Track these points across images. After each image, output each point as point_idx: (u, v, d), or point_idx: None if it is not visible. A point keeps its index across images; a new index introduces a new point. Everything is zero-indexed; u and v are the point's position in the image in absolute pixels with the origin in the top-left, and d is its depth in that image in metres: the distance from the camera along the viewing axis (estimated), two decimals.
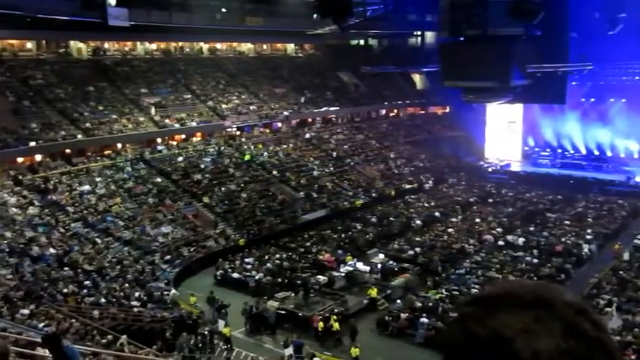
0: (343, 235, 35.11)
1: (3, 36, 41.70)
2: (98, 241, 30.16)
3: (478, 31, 24.14)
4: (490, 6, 23.52)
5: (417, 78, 65.18)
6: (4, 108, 36.51)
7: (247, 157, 43.60)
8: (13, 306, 20.15)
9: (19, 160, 35.04)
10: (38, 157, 35.80)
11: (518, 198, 43.03)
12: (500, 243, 32.78)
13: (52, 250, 27.18)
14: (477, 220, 37.88)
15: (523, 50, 25.24)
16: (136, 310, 23.18)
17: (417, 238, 34.27)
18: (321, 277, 27.69)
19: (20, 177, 32.93)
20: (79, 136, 37.69)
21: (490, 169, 52.34)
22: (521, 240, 32.69)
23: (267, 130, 49.41)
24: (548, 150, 53.32)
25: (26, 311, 19.72)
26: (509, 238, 33.24)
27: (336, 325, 22.45)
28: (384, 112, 60.95)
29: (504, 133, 55.73)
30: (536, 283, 1.09)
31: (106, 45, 48.46)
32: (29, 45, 44.62)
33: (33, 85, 40.17)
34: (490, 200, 43.16)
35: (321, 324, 22.70)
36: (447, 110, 62.23)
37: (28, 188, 32.51)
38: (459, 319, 1.02)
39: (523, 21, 22.34)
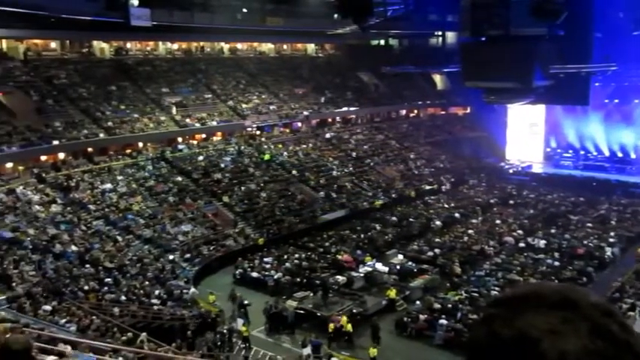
0: (362, 236, 35.05)
1: (28, 36, 42.36)
2: (119, 238, 30.45)
3: (500, 31, 23.94)
4: (512, 6, 23.32)
5: (437, 78, 64.88)
6: (29, 107, 37.03)
7: (267, 157, 43.73)
8: (36, 302, 20.41)
9: (43, 158, 35.50)
10: (61, 156, 36.24)
11: (539, 200, 42.59)
12: (521, 245, 32.48)
13: (73, 248, 27.47)
14: (498, 221, 37.57)
15: (546, 50, 25.00)
16: (155, 307, 23.38)
17: (437, 239, 34.09)
18: (339, 278, 27.67)
19: (44, 175, 33.37)
20: (101, 135, 38.11)
21: (511, 171, 51.89)
22: (542, 242, 32.35)
23: (287, 130, 49.52)
24: (570, 151, 52.67)
25: (48, 307, 19.98)
26: (530, 240, 32.92)
27: (349, 327, 22.38)
28: (404, 112, 60.75)
29: (526, 135, 55.24)
30: (560, 284, 1.07)
31: (129, 45, 48.99)
32: (53, 45, 45.28)
33: (57, 84, 40.70)
34: (511, 202, 42.79)
35: (331, 325, 22.69)
36: (468, 111, 61.84)
37: (51, 186, 32.94)
38: (484, 319, 1.02)
39: (546, 21, 22.12)
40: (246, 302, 24.87)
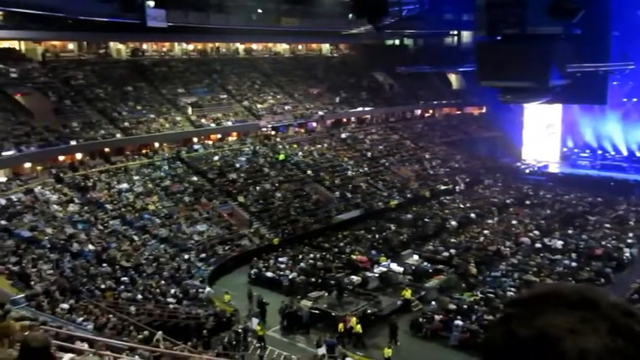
0: (377, 236, 34.99)
1: (46, 37, 42.86)
2: (135, 238, 30.65)
3: (516, 30, 23.80)
4: (528, 4, 23.16)
5: (452, 78, 64.60)
6: (47, 108, 37.41)
7: (282, 157, 43.80)
8: (54, 300, 20.61)
9: (61, 158, 35.86)
10: (79, 156, 36.59)
11: (556, 200, 42.25)
12: (538, 246, 32.23)
13: (90, 247, 27.71)
14: (514, 222, 37.33)
15: (562, 49, 24.81)
16: (171, 306, 23.52)
17: (452, 240, 33.95)
18: (354, 278, 27.65)
19: (61, 175, 33.69)
20: (118, 135, 38.41)
21: (527, 171, 51.51)
22: (559, 243, 32.09)
23: (302, 130, 49.57)
24: (587, 151, 52.16)
25: (66, 306, 20.17)
26: (547, 240, 32.66)
27: (358, 327, 22.33)
28: (419, 112, 60.56)
29: (542, 134, 54.80)
30: (578, 284, 1.07)
31: (145, 46, 49.36)
32: (71, 46, 45.74)
33: (74, 85, 41.08)
34: (527, 202, 42.50)
35: (341, 325, 22.67)
36: (484, 110, 61.49)
37: (68, 186, 33.26)
38: (502, 319, 1.01)
39: (563, 19, 21.94)
40: (265, 301, 24.98)
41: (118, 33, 43.88)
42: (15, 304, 16.13)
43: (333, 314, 23.85)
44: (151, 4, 40.00)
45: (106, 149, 37.86)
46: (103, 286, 23.91)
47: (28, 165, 33.59)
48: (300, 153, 45.82)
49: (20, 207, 29.22)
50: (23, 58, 41.24)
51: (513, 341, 0.96)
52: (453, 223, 37.29)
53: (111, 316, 20.07)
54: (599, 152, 51.42)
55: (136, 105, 41.91)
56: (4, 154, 31.09)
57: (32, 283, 21.92)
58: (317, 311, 24.35)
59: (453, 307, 24.38)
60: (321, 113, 50.50)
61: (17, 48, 41.89)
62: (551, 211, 39.58)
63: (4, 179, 31.58)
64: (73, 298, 21.60)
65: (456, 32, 57.29)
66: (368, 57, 60.24)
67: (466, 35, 55.76)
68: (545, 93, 27.54)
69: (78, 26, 41.08)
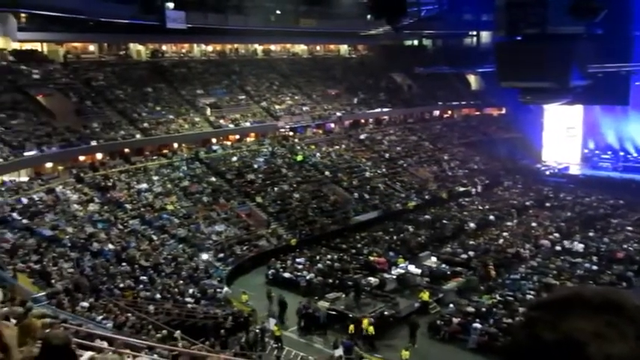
0: (395, 237, 34.87)
1: (68, 39, 43.44)
2: (154, 237, 30.88)
3: (536, 29, 23.56)
4: (549, 4, 22.91)
5: (471, 78, 64.19)
6: (68, 108, 37.87)
7: (299, 158, 43.84)
8: (74, 298, 20.82)
9: (81, 158, 36.23)
10: (99, 156, 36.96)
11: (577, 202, 41.75)
12: (558, 248, 31.90)
13: (110, 246, 27.97)
14: (534, 224, 36.97)
15: (584, 49, 24.49)
16: (189, 306, 23.65)
17: (471, 242, 33.71)
18: (372, 279, 27.59)
19: (82, 175, 34.08)
20: (138, 136, 38.73)
21: (548, 172, 50.99)
22: (580, 246, 31.72)
23: (320, 131, 49.59)
24: (609, 153, 51.50)
25: (86, 304, 20.36)
26: (568, 243, 32.31)
27: (370, 329, 22.26)
28: (437, 113, 60.27)
29: (562, 136, 54.23)
30: (602, 287, 1.06)
31: (164, 47, 49.72)
32: (92, 47, 46.27)
33: (95, 86, 41.52)
34: (547, 204, 42.08)
35: (351, 327, 22.61)
36: (503, 111, 60.98)
37: (89, 186, 33.61)
38: (526, 323, 1.00)
39: (584, 19, 21.65)
40: (285, 300, 25.13)
41: (138, 34, 44.37)
42: (36, 302, 16.32)
43: (351, 315, 23.79)
44: (171, 5, 40.34)
45: (126, 149, 38.21)
46: (122, 285, 24.12)
47: (49, 165, 33.99)
48: (318, 154, 45.83)
49: (42, 206, 29.60)
50: (45, 59, 41.79)
51: (538, 345, 0.95)
52: (472, 225, 37.04)
53: (130, 314, 20.24)
54: (621, 154, 50.77)
55: (156, 106, 42.23)
56: (26, 154, 31.50)
57: (53, 281, 22.16)
58: (334, 312, 24.31)
59: (471, 309, 24.21)
60: (339, 114, 50.47)
61: (39, 50, 42.46)
62: (571, 213, 39.14)
63: (26, 179, 32.01)
64: (93, 296, 21.82)
65: (475, 32, 56.92)
66: (386, 58, 60.09)
67: (485, 35, 55.33)
68: (566, 94, 27.22)
69: (99, 28, 41.62)
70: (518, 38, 25.40)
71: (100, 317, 19.38)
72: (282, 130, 46.71)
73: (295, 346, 22.78)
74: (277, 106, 48.22)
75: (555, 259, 30.27)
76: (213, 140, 43.06)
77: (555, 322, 0.95)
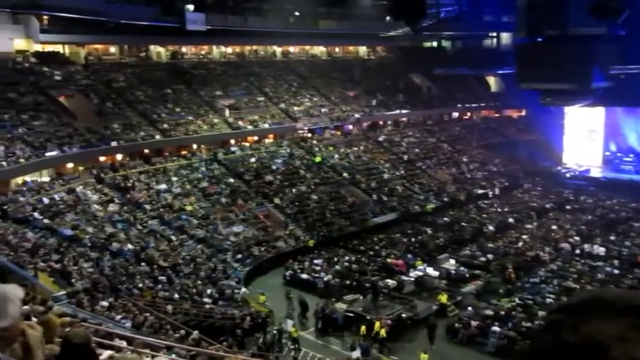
0: (413, 240, 34.73)
1: (89, 41, 43.98)
2: (173, 238, 31.09)
3: (557, 31, 23.36)
4: (571, 4, 22.69)
5: (491, 80, 63.80)
6: (89, 109, 38.30)
7: (318, 159, 43.89)
8: (94, 298, 21.03)
9: (102, 158, 36.60)
10: (119, 157, 37.30)
11: (598, 205, 41.21)
12: (578, 252, 31.55)
13: (129, 246, 28.22)
14: (554, 227, 36.57)
15: (605, 51, 24.23)
16: (207, 306, 23.75)
17: (490, 245, 33.44)
18: (390, 281, 27.50)
19: (102, 175, 34.42)
20: (157, 137, 39.03)
21: (568, 175, 50.43)
22: (601, 249, 31.33)
23: (339, 133, 49.60)
24: (631, 155, 50.78)
25: (105, 303, 20.56)
26: (588, 247, 31.92)
27: (382, 332, 22.17)
28: (456, 114, 59.96)
29: (583, 138, 53.62)
30: (624, 290, 1.04)
31: (184, 49, 50.08)
32: (112, 49, 46.79)
33: (115, 87, 41.95)
34: (568, 207, 41.62)
35: (363, 328, 22.55)
36: (523, 113, 60.53)
37: (109, 186, 33.94)
38: (548, 326, 0.99)
39: (606, 20, 21.41)
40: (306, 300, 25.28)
41: (159, 36, 44.74)
42: (56, 301, 16.52)
43: (368, 317, 23.72)
44: (191, 8, 40.63)
45: (146, 150, 38.51)
46: (141, 285, 24.31)
47: (70, 165, 34.38)
48: (336, 155, 45.83)
49: (63, 206, 29.95)
50: (67, 61, 42.33)
51: (562, 348, 0.94)
52: (491, 227, 36.77)
53: (148, 314, 20.37)
54: None
55: (175, 107, 42.52)
56: (47, 154, 31.90)
57: (73, 280, 22.40)
58: (352, 314, 24.27)
59: (490, 312, 24.04)
60: (357, 116, 50.45)
61: (61, 51, 43.01)
62: (592, 216, 38.67)
63: (47, 179, 32.39)
64: (112, 296, 22.01)
65: (495, 34, 56.55)
66: (405, 59, 59.91)
67: (505, 37, 54.96)
68: (587, 95, 26.95)
69: (119, 30, 42.06)
70: (539, 39, 25.18)
71: (119, 317, 19.52)
72: (301, 131, 46.81)
73: (312, 347, 22.79)
74: (296, 108, 48.31)
75: (576, 262, 29.93)
76: (232, 141, 43.25)
77: (578, 325, 0.95)
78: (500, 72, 55.54)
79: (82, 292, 21.17)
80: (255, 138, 44.96)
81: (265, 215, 36.51)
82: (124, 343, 10.77)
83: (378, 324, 22.41)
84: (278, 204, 37.65)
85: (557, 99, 29.29)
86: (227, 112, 44.29)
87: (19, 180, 30.62)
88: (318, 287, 27.99)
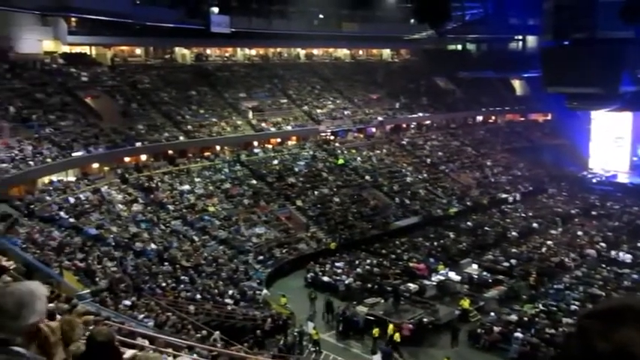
0: (435, 244, 34.53)
1: (115, 42, 44.62)
2: (195, 238, 31.30)
3: (585, 34, 23.12)
4: (599, 7, 22.41)
5: (516, 84, 63.26)
6: (115, 110, 38.77)
7: (340, 162, 43.88)
8: (117, 296, 21.26)
9: (126, 159, 36.99)
10: (143, 157, 37.69)
11: (624, 211, 40.59)
12: (604, 258, 31.08)
13: (153, 246, 28.47)
14: (579, 233, 36.11)
15: (634, 54, 23.87)
16: (229, 307, 23.87)
17: (513, 250, 33.11)
18: (411, 285, 27.37)
19: (127, 175, 34.80)
20: (181, 138, 39.35)
21: (594, 180, 49.74)
22: (627, 256, 30.87)
23: (361, 135, 49.54)
24: None
25: (128, 302, 20.77)
26: (614, 253, 31.46)
27: (397, 336, 22.03)
28: (480, 118, 59.47)
29: (610, 143, 52.83)
30: None
31: (208, 51, 50.51)
32: (138, 51, 47.39)
33: (141, 88, 42.41)
34: (594, 213, 41.05)
35: (376, 330, 22.45)
36: (549, 117, 59.91)
37: (133, 186, 34.30)
38: (579, 332, 0.98)
39: (635, 23, 21.08)
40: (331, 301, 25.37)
41: (183, 38, 45.17)
42: (81, 300, 16.72)
43: (389, 321, 23.62)
44: (216, 10, 40.94)
45: (170, 151, 38.85)
46: (163, 285, 24.51)
47: (95, 165, 34.81)
48: (359, 158, 45.77)
49: (88, 206, 30.34)
50: (94, 62, 42.94)
51: (591, 354, 0.93)
52: (514, 232, 36.42)
53: (170, 314, 20.53)
54: None
55: (199, 109, 42.85)
56: (74, 154, 32.33)
57: (97, 279, 22.67)
58: (372, 317, 24.18)
59: (513, 318, 23.78)
60: (380, 119, 50.33)
61: (88, 53, 43.65)
62: (619, 222, 38.10)
63: (73, 179, 32.84)
64: (135, 295, 22.22)
65: (520, 37, 56.09)
66: (429, 62, 59.65)
67: (531, 40, 54.49)
68: (615, 100, 26.63)
69: (145, 32, 42.59)
70: (566, 43, 24.91)
71: (142, 316, 19.70)
72: (324, 134, 46.84)
73: (333, 350, 22.76)
74: (319, 110, 48.37)
75: (601, 269, 29.48)
76: (255, 143, 43.44)
77: (608, 333, 0.94)
78: (525, 75, 55.11)
79: (106, 290, 21.40)
80: (278, 140, 45.11)
81: (287, 217, 36.59)
82: (146, 342, 10.85)
83: (391, 327, 22.32)
84: (300, 206, 37.71)
85: (583, 103, 29.02)
86: (250, 114, 44.51)
87: (46, 179, 31.09)
88: (339, 290, 27.94)
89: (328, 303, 25.46)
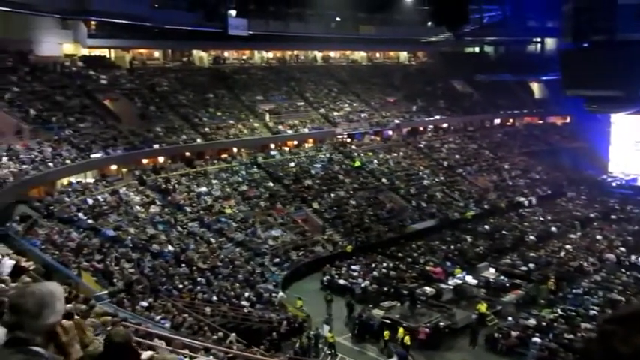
0: (452, 247, 34.37)
1: (134, 46, 45.06)
2: (212, 240, 31.43)
3: (604, 36, 22.89)
4: (618, 9, 22.19)
5: (535, 86, 62.78)
6: (133, 112, 39.11)
7: (357, 164, 43.85)
8: (134, 298, 21.41)
9: (144, 161, 37.26)
10: (161, 159, 37.95)
11: None
12: (624, 263, 30.70)
13: (170, 248, 28.65)
14: (598, 237, 35.75)
15: None
16: (245, 309, 23.93)
17: (531, 254, 32.84)
18: (428, 289, 27.27)
19: (144, 177, 35.06)
20: (199, 140, 39.58)
21: (614, 184, 49.16)
22: None
23: (378, 138, 49.46)
24: None
25: (145, 304, 20.90)
26: (634, 258, 31.06)
27: (407, 339, 21.92)
28: (498, 121, 59.05)
29: (630, 147, 52.15)
30: None
31: (226, 54, 50.77)
32: (156, 54, 47.80)
33: (159, 91, 42.74)
34: (613, 217, 40.60)
35: (386, 332, 22.36)
36: (568, 120, 59.34)
37: (151, 188, 34.54)
38: (601, 336, 0.98)
39: None
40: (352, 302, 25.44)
41: (201, 41, 45.48)
42: (99, 300, 16.86)
43: (405, 325, 23.53)
44: (233, 13, 41.17)
45: (187, 153, 39.09)
46: (180, 286, 24.64)
47: (114, 167, 35.12)
48: (376, 161, 45.70)
49: (106, 207, 30.60)
50: (112, 65, 43.37)
51: (612, 358, 0.94)
52: (532, 236, 36.13)
53: (187, 315, 20.63)
54: None
55: (216, 111, 43.08)
56: (92, 156, 32.66)
57: (115, 280, 22.85)
58: (389, 321, 24.10)
59: (531, 323, 23.57)
60: (397, 121, 50.23)
61: (107, 56, 44.11)
62: (638, 226, 37.61)
63: (91, 180, 33.16)
64: (152, 296, 22.36)
65: (539, 39, 55.70)
66: (446, 65, 59.46)
67: (550, 42, 54.10)
68: (635, 102, 26.37)
69: (163, 35, 42.93)
70: (585, 45, 24.69)
71: (159, 317, 19.82)
72: (340, 136, 46.84)
73: (349, 353, 22.72)
74: (335, 113, 48.38)
75: (620, 274, 29.14)
76: (272, 146, 43.55)
77: (630, 337, 0.94)
78: (544, 78, 54.68)
79: (124, 291, 21.56)
80: (295, 142, 45.19)
81: (303, 220, 36.63)
82: (163, 344, 10.91)
83: (401, 330, 22.23)
84: (316, 209, 37.73)
85: (603, 106, 28.76)
86: (267, 117, 44.65)
87: (65, 181, 31.42)
88: (355, 293, 27.90)
89: (349, 304, 25.52)
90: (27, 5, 33.57)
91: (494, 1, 45.79)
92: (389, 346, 21.80)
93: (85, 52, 42.07)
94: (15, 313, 2.16)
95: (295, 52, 54.64)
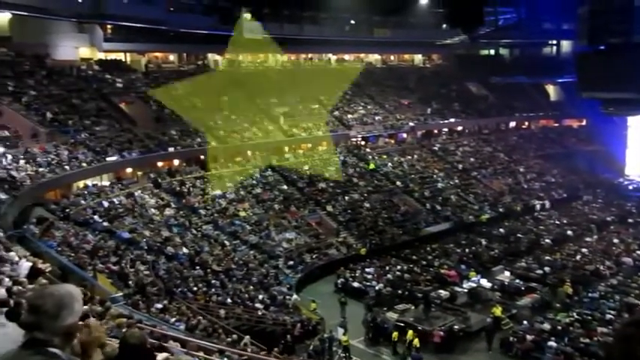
0: (467, 250, 34.20)
1: (149, 49, 45.37)
2: (227, 243, 31.53)
3: (621, 39, 22.69)
4: (635, 12, 21.99)
5: (550, 89, 62.38)
6: (148, 116, 39.36)
7: (372, 166, 43.79)
8: (149, 300, 21.52)
9: (159, 164, 37.48)
10: (176, 162, 38.15)
11: None
12: None
13: (184, 250, 28.79)
14: (615, 240, 35.39)
15: None
16: (259, 312, 23.97)
17: (547, 257, 32.59)
18: (442, 292, 27.15)
19: (159, 180, 35.27)
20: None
21: (631, 187, 48.70)
22: None
23: (392, 141, 49.37)
24: None
25: (160, 305, 21.01)
26: None
27: (416, 341, 21.79)
28: (513, 124, 58.74)
29: None
30: None
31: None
32: (172, 57, 48.12)
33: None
34: (630, 220, 40.19)
35: (395, 334, 22.26)
36: (584, 123, 58.83)
37: (165, 191, 34.74)
38: (621, 338, 1.00)
39: None
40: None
41: (216, 45, 45.64)
42: (114, 302, 16.97)
43: (420, 328, 23.44)
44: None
45: (202, 156, 39.24)
46: (195, 289, 24.75)
47: (129, 170, 35.36)
48: (390, 164, 45.61)
49: (121, 210, 30.80)
50: (128, 68, 43.71)
51: None
52: (548, 240, 35.85)
53: (201, 318, 20.69)
54: None
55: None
56: (108, 159, 32.92)
57: (130, 282, 22.99)
58: (403, 324, 24.01)
59: (546, 327, 23.37)
60: (411, 124, 50.13)
61: (123, 59, 44.45)
62: None
63: (107, 183, 33.41)
64: (167, 298, 22.47)
65: (554, 42, 55.30)
66: (461, 67, 59.23)
67: (565, 45, 53.69)
68: None
69: (179, 39, 43.19)
70: (601, 47, 24.50)
71: (173, 319, 19.89)
72: (354, 139, 46.80)
73: (363, 356, 22.69)
74: (350, 116, 48.36)
75: (638, 278, 28.80)
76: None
77: None
78: (560, 81, 54.28)
79: (139, 293, 21.67)
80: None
81: (317, 222, 36.64)
82: (178, 346, 10.97)
83: (410, 332, 22.14)
84: (330, 211, 37.72)
85: (619, 108, 28.49)
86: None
87: (81, 184, 31.66)
88: (369, 296, 27.84)
89: (368, 306, 25.55)
90: (44, 9, 33.99)
91: (509, 3, 45.68)
92: (395, 346, 21.73)
93: (101, 55, 42.44)
94: (34, 313, 2.19)
95: (310, 55, 54.68)
